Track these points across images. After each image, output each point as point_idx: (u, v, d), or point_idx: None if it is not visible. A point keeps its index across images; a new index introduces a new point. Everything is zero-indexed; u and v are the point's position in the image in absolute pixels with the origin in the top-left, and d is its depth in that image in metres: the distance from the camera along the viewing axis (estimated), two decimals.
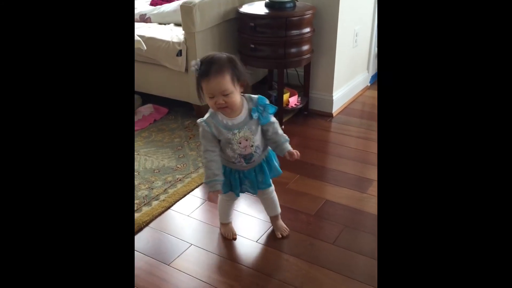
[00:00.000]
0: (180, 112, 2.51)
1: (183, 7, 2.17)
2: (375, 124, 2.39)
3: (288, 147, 1.34)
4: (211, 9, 2.22)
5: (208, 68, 1.19)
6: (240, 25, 2.29)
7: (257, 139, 1.32)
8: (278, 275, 1.38)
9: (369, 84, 2.91)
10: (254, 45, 2.19)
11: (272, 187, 1.48)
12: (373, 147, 2.16)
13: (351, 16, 2.40)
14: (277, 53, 2.18)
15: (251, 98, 1.31)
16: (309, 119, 2.44)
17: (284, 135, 1.36)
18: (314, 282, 1.35)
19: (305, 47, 2.24)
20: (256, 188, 1.41)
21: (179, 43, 2.26)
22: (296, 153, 1.33)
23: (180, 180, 1.87)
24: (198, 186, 1.84)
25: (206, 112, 2.43)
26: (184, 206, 1.73)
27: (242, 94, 1.29)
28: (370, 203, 1.73)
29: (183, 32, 2.25)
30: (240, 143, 1.29)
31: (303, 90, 2.48)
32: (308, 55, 2.28)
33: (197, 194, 1.80)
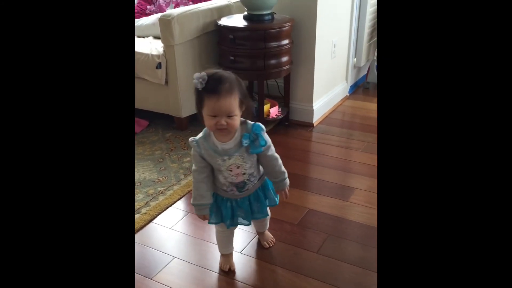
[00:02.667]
0: (161, 124, 2.50)
1: (161, 20, 2.18)
2: (355, 133, 2.42)
3: (283, 186, 1.31)
4: (190, 22, 2.23)
5: (218, 86, 1.11)
6: (219, 37, 2.30)
7: (250, 167, 1.25)
8: (263, 286, 1.37)
9: (348, 94, 2.96)
10: (233, 57, 2.21)
11: (269, 216, 1.45)
12: (354, 156, 2.18)
13: (329, 28, 2.45)
14: (256, 65, 2.20)
15: (246, 124, 1.21)
16: (290, 129, 2.46)
17: (282, 171, 1.29)
18: None
19: (285, 59, 2.26)
20: (250, 219, 1.35)
21: (158, 56, 2.26)
22: (286, 195, 1.33)
23: (162, 192, 1.85)
24: (181, 198, 1.82)
25: (187, 124, 2.47)
26: (166, 219, 1.71)
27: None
28: (352, 211, 1.74)
29: (162, 45, 2.25)
30: (231, 170, 1.22)
31: (284, 101, 2.50)
32: (287, 66, 2.30)
33: (180, 207, 1.78)
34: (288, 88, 2.45)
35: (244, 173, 1.24)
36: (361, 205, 1.77)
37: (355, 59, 2.95)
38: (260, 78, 2.26)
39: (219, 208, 1.31)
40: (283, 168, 1.30)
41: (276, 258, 1.49)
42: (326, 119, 2.60)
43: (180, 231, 1.64)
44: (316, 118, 2.54)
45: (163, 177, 1.97)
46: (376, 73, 3.11)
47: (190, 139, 1.24)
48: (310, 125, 2.50)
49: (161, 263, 1.47)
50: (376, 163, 2.10)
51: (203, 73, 1.12)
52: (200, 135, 1.23)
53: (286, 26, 2.19)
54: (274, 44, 2.18)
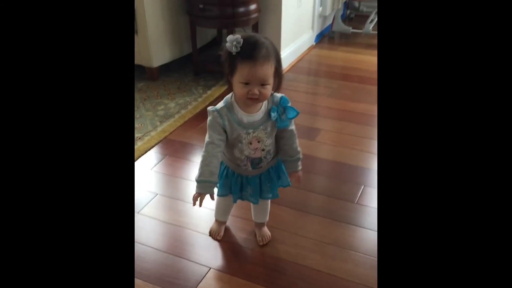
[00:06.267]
0: None
1: None
2: (321, 81, 2.55)
3: (297, 167, 1.21)
4: None
5: (255, 51, 1.00)
6: None
7: (270, 143, 1.17)
8: (240, 214, 1.51)
9: (314, 43, 3.05)
10: (203, 5, 2.24)
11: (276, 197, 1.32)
12: (320, 101, 2.32)
13: None
14: (225, 13, 2.24)
15: (273, 96, 1.12)
16: None
17: (299, 150, 1.20)
18: (273, 218, 1.48)
19: (252, 7, 2.31)
20: (259, 197, 1.26)
21: None
22: (300, 180, 1.23)
23: (139, 138, 1.93)
24: (158, 143, 1.91)
25: (158, 74, 2.49)
26: (146, 161, 1.80)
27: None
28: (319, 149, 1.89)
29: None
30: (251, 143, 1.14)
31: None
32: (255, 15, 2.36)
33: (158, 151, 1.87)
34: None
35: (263, 149, 1.16)
36: (327, 144, 1.92)
37: (321, 8, 3.02)
38: (230, 27, 2.31)
39: (228, 180, 1.23)
40: (299, 147, 1.21)
41: None
42: (294, 68, 2.70)
43: (160, 171, 1.74)
44: (284, 66, 2.62)
45: (140, 125, 2.04)
46: (341, 22, 3.20)
47: (210, 108, 1.12)
48: None
49: (145, 199, 1.58)
50: (340, 107, 2.25)
51: (237, 36, 1.01)
52: (222, 104, 1.12)
53: None
54: None
